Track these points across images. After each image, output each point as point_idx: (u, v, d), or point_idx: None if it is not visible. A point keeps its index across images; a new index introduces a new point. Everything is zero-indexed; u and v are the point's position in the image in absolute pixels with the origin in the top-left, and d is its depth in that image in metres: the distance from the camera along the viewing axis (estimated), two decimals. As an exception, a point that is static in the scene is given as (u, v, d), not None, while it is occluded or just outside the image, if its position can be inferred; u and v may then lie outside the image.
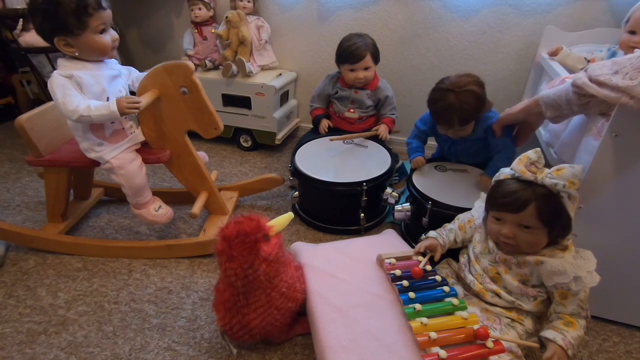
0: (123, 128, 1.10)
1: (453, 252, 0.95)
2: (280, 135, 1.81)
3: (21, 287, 1.09)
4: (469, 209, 0.97)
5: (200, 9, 1.78)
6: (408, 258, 0.92)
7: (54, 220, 1.24)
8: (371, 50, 1.41)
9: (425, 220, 1.11)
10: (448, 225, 0.96)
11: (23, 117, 1.06)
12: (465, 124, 1.12)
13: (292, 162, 1.33)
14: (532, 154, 0.76)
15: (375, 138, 1.46)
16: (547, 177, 0.73)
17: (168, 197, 1.38)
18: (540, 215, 0.73)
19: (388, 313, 0.80)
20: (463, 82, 1.08)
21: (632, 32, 1.12)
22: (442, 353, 0.67)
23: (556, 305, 0.77)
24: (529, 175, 0.75)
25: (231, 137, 1.87)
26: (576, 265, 0.73)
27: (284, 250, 0.83)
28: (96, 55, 1.01)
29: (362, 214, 1.28)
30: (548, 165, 0.76)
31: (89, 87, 1.00)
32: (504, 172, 0.80)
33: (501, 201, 0.77)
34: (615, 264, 0.89)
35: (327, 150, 1.40)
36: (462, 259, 0.91)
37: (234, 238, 0.74)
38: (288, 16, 1.79)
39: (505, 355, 0.71)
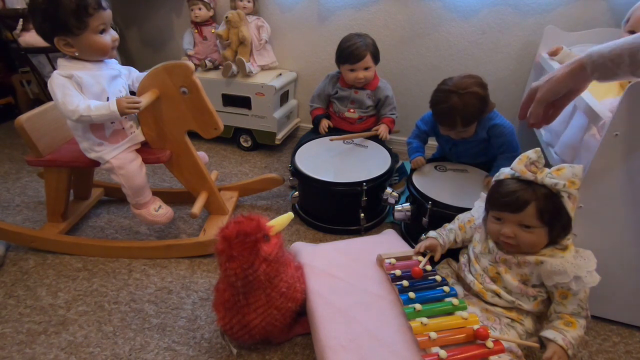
0: (123, 128, 1.10)
1: (453, 252, 0.95)
2: (280, 135, 1.81)
3: (21, 287, 1.09)
4: (469, 209, 0.97)
5: (200, 9, 1.78)
6: (408, 258, 0.92)
7: (54, 220, 1.24)
8: (371, 50, 1.41)
9: (425, 220, 1.11)
10: (448, 225, 0.96)
11: (23, 117, 1.06)
12: (468, 125, 1.12)
13: (292, 162, 1.33)
14: (532, 153, 0.76)
15: (375, 138, 1.46)
16: (547, 176, 0.73)
17: (168, 197, 1.38)
18: (540, 215, 0.73)
19: (388, 313, 0.80)
20: (466, 83, 1.07)
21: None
22: (442, 353, 0.67)
23: (556, 305, 0.77)
24: (529, 175, 0.75)
25: (231, 137, 1.87)
26: (576, 265, 0.73)
27: (284, 250, 0.83)
28: (96, 55, 1.01)
29: (362, 214, 1.28)
30: (548, 165, 0.76)
31: (89, 87, 1.00)
32: (504, 172, 0.80)
33: (501, 201, 0.77)
34: (615, 264, 0.89)
35: (327, 150, 1.40)
36: (462, 259, 0.91)
37: (234, 238, 0.74)
38: (288, 16, 1.79)
39: (505, 355, 0.71)
